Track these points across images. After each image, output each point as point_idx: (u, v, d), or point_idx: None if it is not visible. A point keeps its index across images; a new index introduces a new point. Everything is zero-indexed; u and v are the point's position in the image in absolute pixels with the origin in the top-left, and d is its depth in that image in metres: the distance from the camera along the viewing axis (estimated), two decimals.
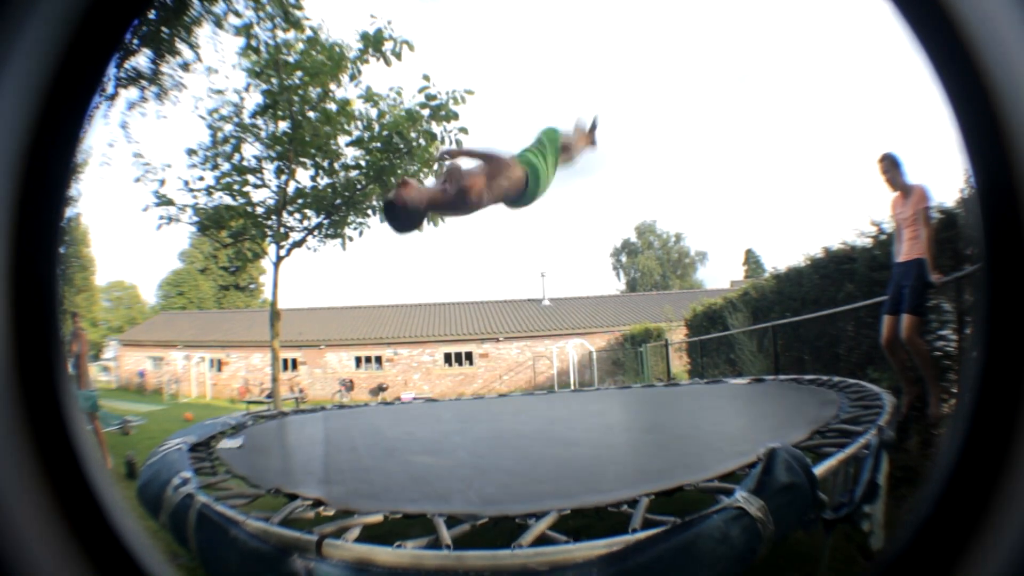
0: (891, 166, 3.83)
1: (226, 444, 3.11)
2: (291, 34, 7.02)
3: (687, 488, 1.83)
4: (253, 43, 6.94)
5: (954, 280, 3.45)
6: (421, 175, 7.44)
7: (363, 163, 7.58)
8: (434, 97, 7.01)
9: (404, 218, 2.18)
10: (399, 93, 7.44)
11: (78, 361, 5.94)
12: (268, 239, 8.08)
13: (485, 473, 2.46)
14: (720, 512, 1.38)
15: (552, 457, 2.82)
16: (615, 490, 1.85)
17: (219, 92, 7.61)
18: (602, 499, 1.77)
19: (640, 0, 71.53)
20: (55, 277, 0.52)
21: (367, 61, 7.13)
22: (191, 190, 7.62)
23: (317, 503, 1.88)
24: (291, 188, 7.88)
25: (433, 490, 2.15)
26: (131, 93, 7.49)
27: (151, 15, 6.22)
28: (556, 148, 2.54)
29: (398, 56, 6.90)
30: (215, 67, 7.69)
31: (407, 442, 3.40)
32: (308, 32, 6.99)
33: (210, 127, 7.61)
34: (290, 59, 7.04)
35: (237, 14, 6.92)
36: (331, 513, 1.82)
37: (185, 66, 7.50)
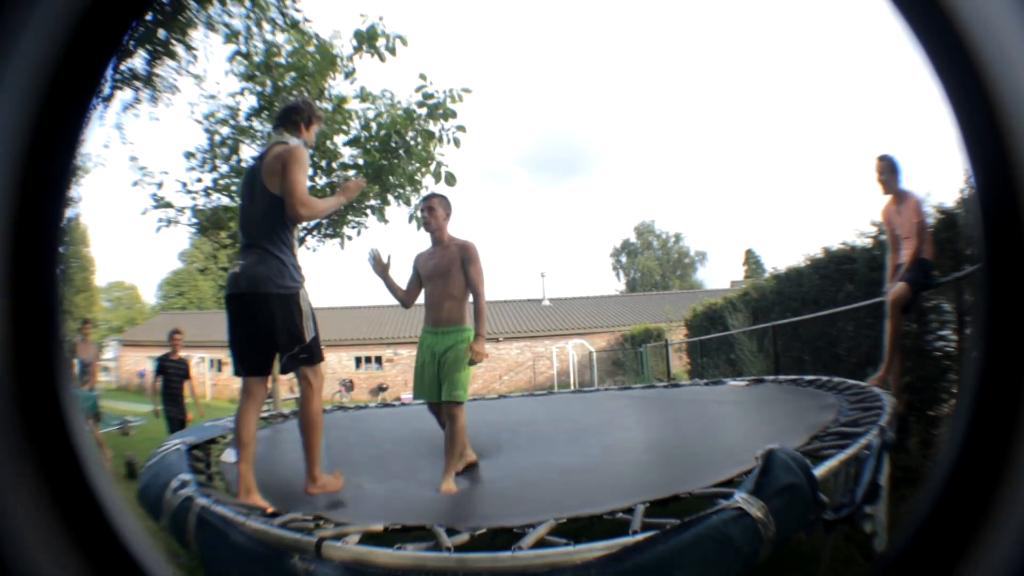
0: (888, 169, 3.68)
1: (228, 458, 3.01)
2: (281, 36, 7.00)
3: (683, 496, 1.83)
4: (244, 48, 6.92)
5: (954, 280, 3.44)
6: (419, 174, 7.43)
7: (361, 162, 7.57)
8: (431, 96, 6.98)
9: None
10: (395, 93, 7.42)
11: (87, 367, 5.97)
12: None
13: (484, 478, 2.45)
14: (719, 513, 1.37)
15: (552, 461, 2.82)
16: (610, 499, 1.85)
17: (212, 97, 7.61)
18: (598, 509, 1.77)
19: None
20: (55, 277, 0.52)
21: (360, 58, 7.09)
22: (189, 192, 7.62)
23: (317, 519, 1.87)
24: None
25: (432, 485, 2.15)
26: (125, 94, 7.47)
27: (147, 16, 6.20)
28: None
29: (392, 51, 6.87)
30: (209, 71, 7.69)
31: (408, 436, 3.40)
32: (303, 34, 6.96)
33: (207, 130, 7.61)
34: (282, 60, 7.01)
35: (229, 15, 6.89)
36: (331, 527, 1.81)
37: (180, 68, 7.49)
